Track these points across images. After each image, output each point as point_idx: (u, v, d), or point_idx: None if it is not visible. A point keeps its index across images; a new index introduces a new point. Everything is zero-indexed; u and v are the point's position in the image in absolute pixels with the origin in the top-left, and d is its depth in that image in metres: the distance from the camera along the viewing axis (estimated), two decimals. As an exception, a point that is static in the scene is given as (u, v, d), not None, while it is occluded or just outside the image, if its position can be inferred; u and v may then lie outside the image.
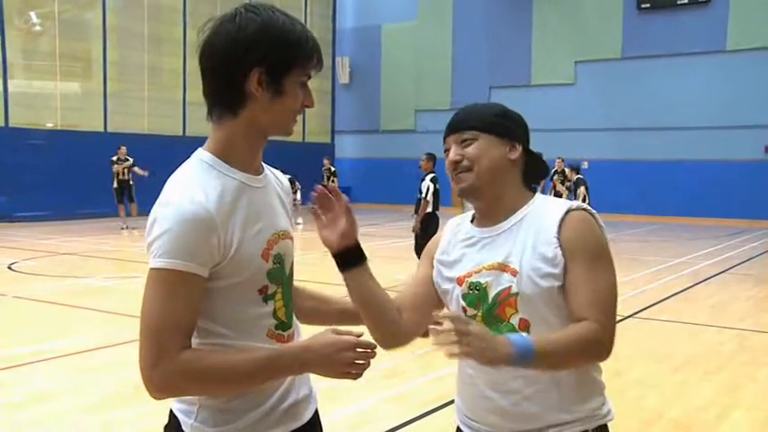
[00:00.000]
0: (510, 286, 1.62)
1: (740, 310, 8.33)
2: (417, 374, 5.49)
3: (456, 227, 1.82)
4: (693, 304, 8.59)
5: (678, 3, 21.11)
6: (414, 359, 5.99)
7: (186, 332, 1.41)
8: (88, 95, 19.38)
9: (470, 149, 1.70)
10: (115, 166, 15.79)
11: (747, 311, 8.32)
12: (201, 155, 1.52)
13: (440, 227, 9.37)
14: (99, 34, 19.23)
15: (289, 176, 10.29)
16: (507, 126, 1.75)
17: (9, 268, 10.48)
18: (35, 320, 7.33)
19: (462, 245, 1.75)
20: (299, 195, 18.46)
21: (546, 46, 23.24)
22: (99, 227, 15.76)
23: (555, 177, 17.26)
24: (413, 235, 9.72)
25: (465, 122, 1.77)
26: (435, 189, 9.13)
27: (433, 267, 1.80)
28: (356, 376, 1.47)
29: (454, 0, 24.94)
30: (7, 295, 8.43)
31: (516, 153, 1.74)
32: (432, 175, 9.23)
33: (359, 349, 1.45)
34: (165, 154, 19.68)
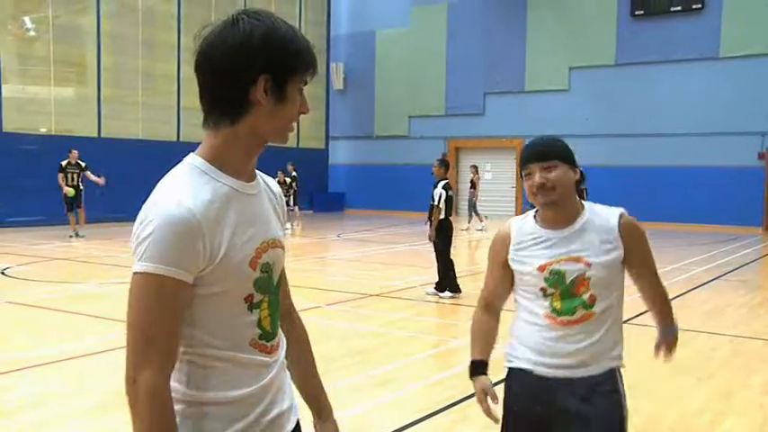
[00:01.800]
0: (584, 273, 2.29)
1: (734, 317, 8.35)
2: (411, 381, 5.48)
3: (519, 228, 2.41)
4: (687, 310, 8.61)
5: (672, 10, 21.22)
6: (407, 365, 5.99)
7: (172, 342, 1.40)
8: (82, 101, 19.36)
9: (553, 175, 2.27)
10: (60, 174, 15.00)
11: (741, 318, 8.35)
12: (194, 160, 1.50)
13: (454, 232, 9.40)
14: (93, 39, 19.22)
15: (294, 174, 10.28)
16: (572, 156, 2.33)
17: (2, 273, 10.44)
18: (29, 326, 7.30)
19: (534, 242, 2.36)
20: (290, 200, 18.41)
21: (540, 52, 23.32)
22: (92, 232, 15.72)
23: None
24: (408, 241, 9.73)
25: (547, 154, 2.28)
26: (448, 196, 9.06)
27: (505, 264, 2.40)
28: None
29: (448, 6, 25.02)
30: (1, 300, 8.39)
31: (577, 175, 2.33)
32: (444, 182, 9.13)
33: None
34: (159, 160, 19.76)
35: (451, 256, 9.29)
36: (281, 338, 1.63)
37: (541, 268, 2.32)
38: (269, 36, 1.44)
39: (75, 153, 15.29)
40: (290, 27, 1.50)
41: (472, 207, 19.81)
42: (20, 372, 5.53)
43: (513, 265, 2.39)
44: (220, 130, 1.48)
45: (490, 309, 2.51)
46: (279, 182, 18.16)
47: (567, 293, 2.32)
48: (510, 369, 2.52)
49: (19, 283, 9.75)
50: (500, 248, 2.43)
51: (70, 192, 14.83)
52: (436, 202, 8.94)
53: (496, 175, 24.80)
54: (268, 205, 1.59)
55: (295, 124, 1.55)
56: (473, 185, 20.01)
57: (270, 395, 1.53)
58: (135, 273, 1.39)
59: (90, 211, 15.73)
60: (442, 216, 9.02)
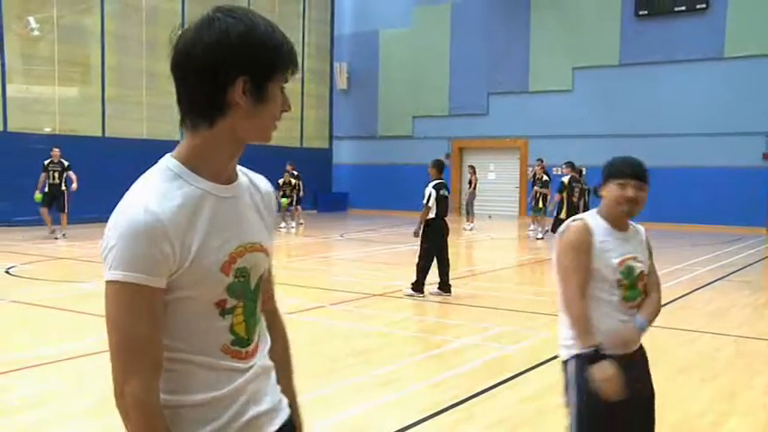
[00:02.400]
0: (642, 269, 2.87)
1: (738, 317, 8.34)
2: (414, 381, 5.49)
3: (596, 225, 2.87)
4: (691, 311, 8.60)
5: (676, 9, 21.18)
6: (410, 365, 5.99)
7: (153, 350, 1.38)
8: (86, 100, 19.39)
9: (642, 195, 2.83)
10: (43, 174, 14.79)
11: (745, 318, 8.33)
12: (168, 162, 1.47)
13: (449, 232, 9.40)
14: (97, 39, 19.25)
15: (296, 173, 10.11)
16: None
17: (7, 272, 10.46)
18: (33, 325, 7.32)
19: (611, 240, 2.85)
20: (294, 200, 18.40)
21: (544, 52, 23.30)
22: (96, 231, 15.73)
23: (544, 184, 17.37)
24: (411, 241, 9.73)
25: (644, 177, 2.83)
26: (439, 195, 9.07)
27: (590, 253, 2.80)
28: None
29: (452, 6, 25.01)
30: (5, 299, 8.42)
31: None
32: (435, 182, 9.18)
33: None
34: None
35: (449, 256, 9.26)
36: (262, 343, 1.60)
37: (620, 263, 2.81)
38: (246, 35, 1.40)
39: (57, 152, 15.04)
40: (269, 24, 1.44)
41: (468, 206, 19.83)
42: (23, 371, 5.55)
43: (596, 257, 2.80)
44: (198, 131, 1.44)
45: (585, 295, 2.81)
46: (284, 182, 18.18)
47: (632, 285, 2.84)
48: (588, 355, 2.75)
49: (23, 281, 9.77)
50: (587, 239, 2.81)
51: (38, 197, 14.57)
52: (425, 201, 8.98)
53: (500, 175, 24.79)
54: (249, 207, 1.54)
55: (278, 123, 1.50)
56: (471, 185, 20.04)
57: (243, 398, 1.50)
58: (107, 281, 1.36)
59: (93, 210, 15.72)
60: (432, 215, 9.03)
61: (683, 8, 21.05)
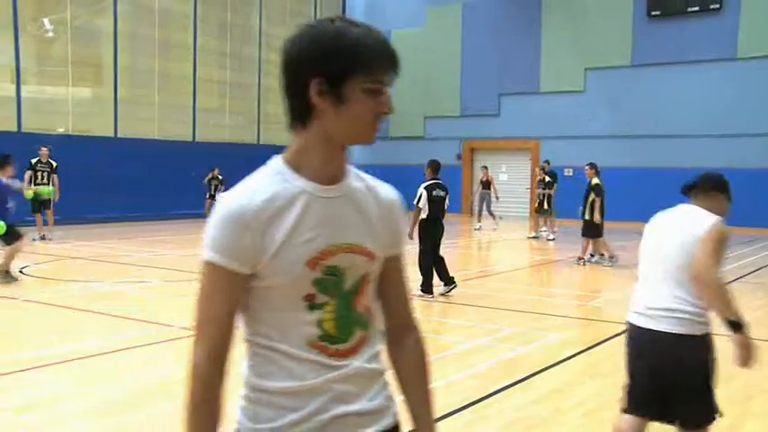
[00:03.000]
0: None
1: (751, 320, 8.23)
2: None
3: None
4: (704, 313, 8.53)
5: (689, 10, 21.04)
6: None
7: (222, 324, 1.47)
8: (99, 101, 19.51)
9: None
10: (29, 172, 14.25)
11: (759, 321, 8.24)
12: (275, 160, 1.56)
13: (443, 234, 9.38)
14: (110, 40, 19.36)
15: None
16: None
17: (21, 272, 10.52)
18: (45, 324, 7.35)
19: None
20: None
21: (555, 53, 23.22)
22: (109, 231, 15.82)
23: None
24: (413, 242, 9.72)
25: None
26: (432, 196, 9.06)
27: None
28: None
29: (463, 6, 24.97)
30: (18, 299, 8.46)
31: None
32: (428, 183, 9.19)
33: None
34: (174, 159, 19.92)
35: (442, 254, 9.28)
36: (367, 346, 1.60)
37: None
38: (316, 39, 1.46)
39: (45, 151, 14.58)
40: (348, 26, 1.49)
41: (488, 207, 19.76)
42: (35, 370, 5.57)
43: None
44: (297, 132, 1.53)
45: None
46: (212, 177, 18.91)
47: None
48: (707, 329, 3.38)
49: (37, 281, 9.83)
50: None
51: (29, 194, 13.47)
52: (415, 202, 8.97)
53: (511, 176, 24.72)
54: (354, 210, 1.57)
55: (378, 124, 1.53)
56: (487, 186, 19.92)
57: (330, 394, 1.52)
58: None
59: (107, 210, 15.81)
60: (424, 216, 9.03)
61: (696, 8, 20.91)
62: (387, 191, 1.67)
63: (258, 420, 1.52)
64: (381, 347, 1.66)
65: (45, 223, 14.62)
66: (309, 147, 1.52)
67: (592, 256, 12.80)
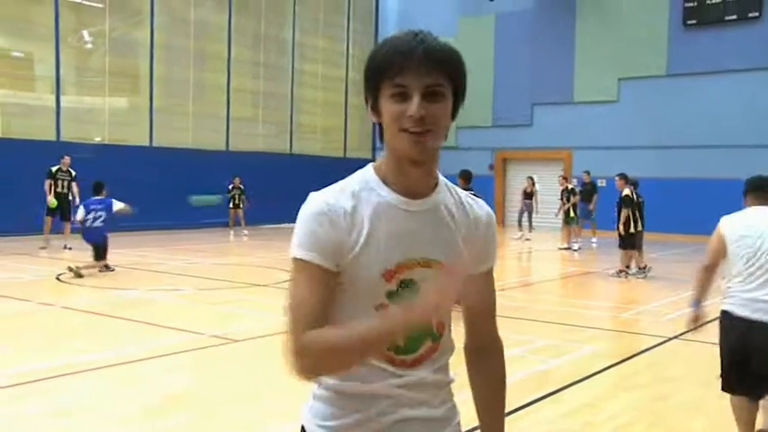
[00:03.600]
0: None
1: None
2: (456, 393, 5.43)
3: None
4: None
5: (726, 19, 20.72)
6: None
7: (312, 316, 1.44)
8: (135, 110, 19.85)
9: None
10: (48, 180, 14.36)
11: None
12: (366, 168, 1.59)
13: None
14: (146, 51, 19.71)
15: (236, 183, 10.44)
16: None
17: (57, 279, 10.73)
18: (81, 331, 7.47)
19: None
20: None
21: (589, 63, 23.02)
22: (143, 239, 16.04)
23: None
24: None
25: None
26: None
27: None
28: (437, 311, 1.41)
29: (495, 16, 24.91)
30: (55, 305, 8.62)
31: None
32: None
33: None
34: (208, 167, 20.15)
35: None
36: (437, 358, 1.61)
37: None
38: (369, 56, 1.50)
39: (68, 160, 14.68)
40: (397, 36, 1.51)
41: (528, 217, 19.98)
42: (70, 376, 5.65)
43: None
44: (383, 144, 1.54)
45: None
46: (234, 187, 19.16)
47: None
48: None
49: (73, 288, 10.00)
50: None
51: (53, 203, 14.26)
52: None
53: (544, 187, 24.50)
54: (435, 225, 1.55)
55: (412, 131, 1.45)
56: (529, 196, 20.05)
57: (394, 400, 1.54)
58: None
59: (141, 218, 16.02)
60: None
61: (734, 17, 20.58)
62: (479, 208, 1.66)
63: (324, 418, 1.55)
64: (450, 358, 1.66)
65: (59, 231, 14.60)
66: (386, 160, 1.55)
67: (628, 267, 12.65)
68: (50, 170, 14.53)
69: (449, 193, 1.61)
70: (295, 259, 1.48)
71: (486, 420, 1.75)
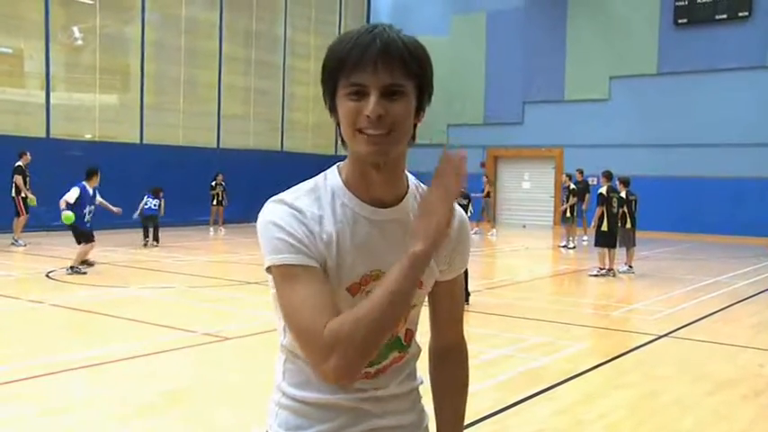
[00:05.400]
0: None
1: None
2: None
3: None
4: (732, 324, 8.41)
5: (717, 18, 20.81)
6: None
7: (324, 310, 1.31)
8: (126, 107, 19.76)
9: None
10: (19, 176, 14.36)
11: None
12: (330, 171, 1.48)
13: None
14: (137, 48, 19.63)
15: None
16: None
17: (47, 276, 10.67)
18: (72, 329, 7.44)
19: None
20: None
21: (580, 61, 23.09)
22: (133, 237, 15.97)
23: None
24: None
25: None
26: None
27: None
28: (456, 191, 1.31)
29: (487, 14, 24.93)
30: (44, 303, 8.57)
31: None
32: None
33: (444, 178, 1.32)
34: (199, 165, 20.09)
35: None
36: (402, 365, 1.55)
37: None
38: (326, 53, 1.38)
39: (28, 156, 14.70)
40: (352, 32, 1.36)
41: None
42: (59, 374, 5.63)
43: None
44: (345, 146, 1.42)
45: None
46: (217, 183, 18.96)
47: None
48: None
49: (63, 285, 9.95)
50: None
51: (33, 201, 14.37)
52: None
53: (535, 185, 24.59)
54: (404, 235, 1.40)
55: (369, 132, 1.33)
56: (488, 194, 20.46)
57: (360, 410, 1.49)
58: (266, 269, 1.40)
59: (131, 216, 15.97)
60: None
61: (725, 16, 20.68)
62: (457, 215, 1.55)
63: (288, 427, 1.50)
64: (416, 364, 1.61)
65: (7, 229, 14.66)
66: (350, 163, 1.44)
67: (610, 269, 12.69)
68: (20, 166, 14.58)
69: (419, 197, 1.49)
70: (274, 267, 1.35)
71: (445, 415, 1.66)
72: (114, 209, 12.38)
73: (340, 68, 1.34)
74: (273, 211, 1.38)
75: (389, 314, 1.29)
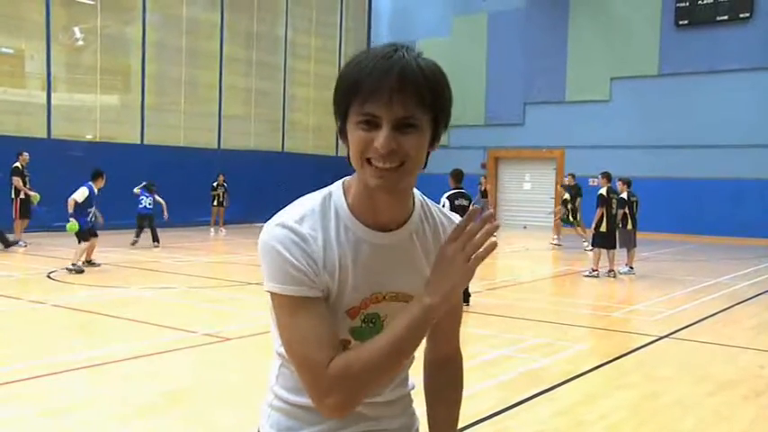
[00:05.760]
0: None
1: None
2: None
3: None
4: (732, 326, 8.40)
5: (718, 19, 20.81)
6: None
7: (327, 347, 1.32)
8: (126, 108, 19.78)
9: None
10: (17, 177, 14.27)
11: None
12: (335, 189, 1.44)
13: None
14: (138, 49, 19.65)
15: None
16: None
17: (48, 277, 10.68)
18: (73, 329, 7.44)
19: None
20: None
21: (581, 62, 23.09)
22: (132, 238, 15.96)
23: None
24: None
25: None
26: (454, 205, 9.03)
27: None
28: (477, 263, 1.29)
29: (489, 16, 24.94)
30: (46, 303, 8.58)
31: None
32: (450, 192, 9.25)
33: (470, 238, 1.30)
34: (200, 166, 20.10)
35: None
36: (397, 382, 1.56)
37: None
38: (339, 75, 1.34)
39: (26, 156, 14.58)
40: (368, 54, 1.31)
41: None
42: (60, 375, 5.63)
43: None
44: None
45: None
46: (219, 184, 18.90)
47: None
48: None
49: (64, 286, 9.96)
50: None
51: (36, 198, 14.36)
52: None
53: (535, 186, 24.58)
54: (406, 257, 1.44)
55: (378, 165, 1.29)
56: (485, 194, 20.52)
57: (351, 414, 1.44)
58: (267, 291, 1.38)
59: (132, 217, 15.97)
60: None
61: (726, 17, 20.67)
62: (450, 222, 1.54)
63: (279, 428, 1.51)
64: (409, 369, 1.61)
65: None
66: (355, 185, 1.40)
67: (630, 268, 12.75)
68: (17, 167, 14.46)
69: (424, 217, 1.48)
70: (278, 296, 1.34)
71: (438, 418, 1.65)
72: (101, 218, 12.40)
73: (354, 94, 1.29)
74: (276, 236, 1.34)
75: (394, 361, 1.32)
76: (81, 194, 11.28)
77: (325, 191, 1.44)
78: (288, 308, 1.34)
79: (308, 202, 1.41)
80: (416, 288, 1.40)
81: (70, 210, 11.13)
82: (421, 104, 1.30)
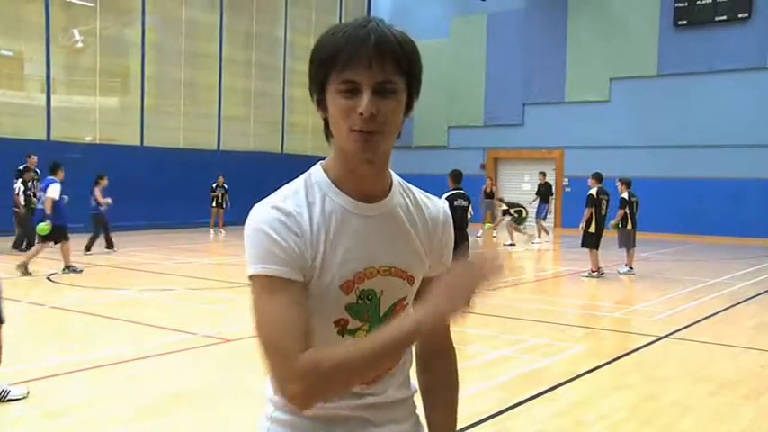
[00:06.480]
0: None
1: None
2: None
3: None
4: (732, 325, 8.40)
5: (716, 20, 20.82)
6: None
7: (300, 336, 1.29)
8: (126, 110, 19.79)
9: None
10: (17, 183, 13.81)
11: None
12: (315, 169, 1.46)
13: (469, 243, 9.33)
14: (138, 50, 19.65)
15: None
16: None
17: (48, 279, 10.68)
18: (71, 331, 7.44)
19: None
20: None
21: (580, 63, 23.10)
22: (133, 239, 15.99)
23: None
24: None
25: None
26: (453, 206, 9.01)
27: None
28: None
29: (488, 16, 24.95)
30: (45, 305, 8.58)
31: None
32: (449, 193, 9.24)
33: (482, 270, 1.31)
34: (199, 168, 20.11)
35: None
36: (396, 370, 1.53)
37: None
38: (315, 46, 1.36)
39: (34, 158, 14.10)
40: (343, 26, 1.35)
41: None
42: (59, 377, 5.63)
43: None
44: (330, 141, 1.42)
45: None
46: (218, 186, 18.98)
47: None
48: None
49: (63, 288, 9.96)
50: None
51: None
52: None
53: (535, 186, 24.52)
54: (393, 230, 1.45)
55: (362, 130, 1.32)
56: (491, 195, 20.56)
57: (354, 419, 1.47)
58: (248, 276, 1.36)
59: (132, 218, 15.98)
60: None
61: (725, 18, 20.68)
62: (434, 207, 1.56)
63: None
64: (409, 369, 1.59)
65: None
66: (336, 159, 1.42)
67: (630, 267, 12.77)
68: (19, 169, 14.06)
69: (403, 193, 1.51)
70: (257, 277, 1.32)
71: (435, 417, 1.63)
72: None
73: (331, 63, 1.32)
74: (262, 216, 1.35)
75: (371, 366, 1.32)
76: (56, 191, 10.81)
77: (304, 175, 1.46)
78: (268, 289, 1.31)
79: (290, 186, 1.44)
80: (408, 262, 1.45)
81: (49, 210, 10.69)
82: (398, 70, 1.34)
